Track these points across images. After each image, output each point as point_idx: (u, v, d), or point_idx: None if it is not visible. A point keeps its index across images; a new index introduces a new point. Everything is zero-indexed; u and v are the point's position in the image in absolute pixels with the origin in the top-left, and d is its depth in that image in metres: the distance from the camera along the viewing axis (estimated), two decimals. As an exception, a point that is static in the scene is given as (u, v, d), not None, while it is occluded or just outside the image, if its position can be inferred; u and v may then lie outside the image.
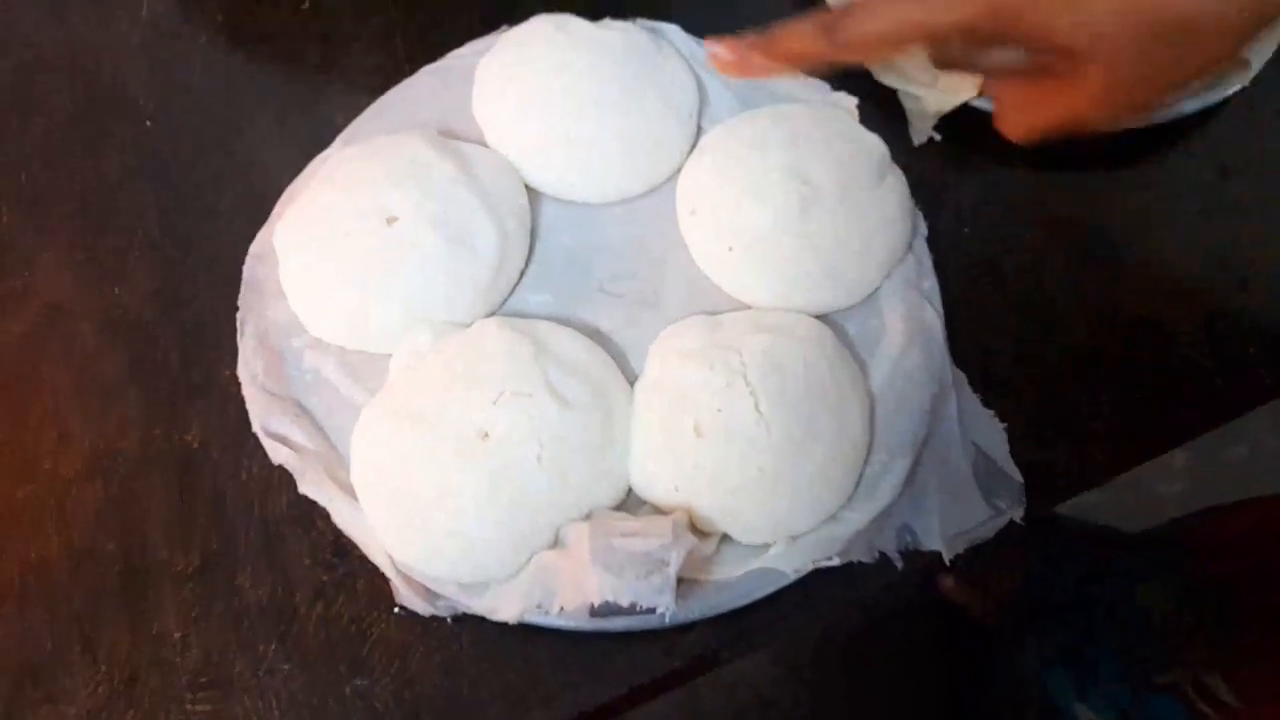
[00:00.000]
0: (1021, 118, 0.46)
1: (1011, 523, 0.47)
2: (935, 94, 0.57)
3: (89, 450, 0.48)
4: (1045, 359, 0.52)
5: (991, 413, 0.49)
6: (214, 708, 0.44)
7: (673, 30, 0.56)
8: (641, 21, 0.56)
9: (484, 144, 0.52)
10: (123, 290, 0.52)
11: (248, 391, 0.46)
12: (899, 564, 0.46)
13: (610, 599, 0.40)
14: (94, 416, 0.49)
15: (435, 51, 0.57)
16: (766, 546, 0.45)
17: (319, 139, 0.54)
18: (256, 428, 0.46)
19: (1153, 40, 0.39)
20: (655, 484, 0.45)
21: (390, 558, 0.44)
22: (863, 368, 0.48)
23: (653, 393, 0.46)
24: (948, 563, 0.46)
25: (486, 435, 0.43)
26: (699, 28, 0.56)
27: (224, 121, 0.57)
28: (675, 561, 0.41)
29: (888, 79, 0.59)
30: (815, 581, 0.44)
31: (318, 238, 0.47)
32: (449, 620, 0.45)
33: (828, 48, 0.43)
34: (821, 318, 0.49)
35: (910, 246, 0.52)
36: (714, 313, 0.49)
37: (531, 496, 0.43)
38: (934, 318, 0.50)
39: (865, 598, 0.47)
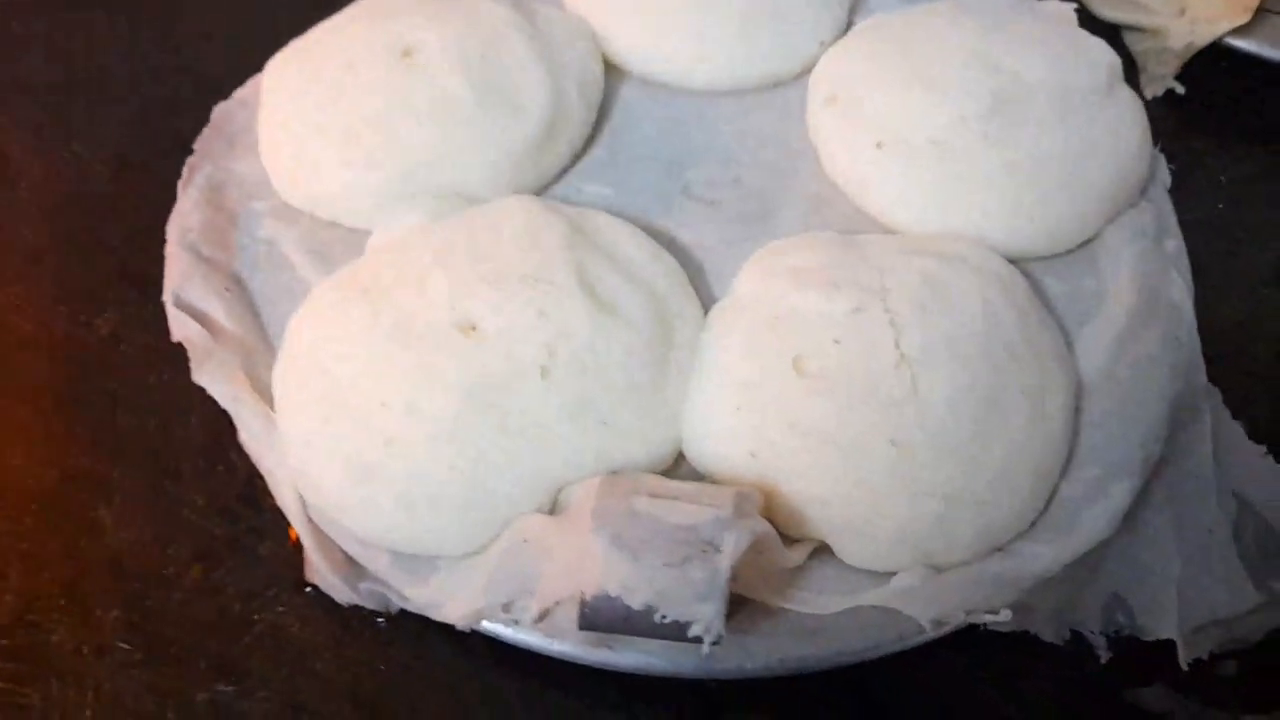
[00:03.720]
0: None
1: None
2: (1182, 25, 0.42)
3: (-36, 322, 0.36)
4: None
5: (1264, 448, 0.32)
6: (6, 686, 0.29)
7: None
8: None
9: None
10: (80, 153, 0.41)
11: (171, 251, 0.33)
12: (1103, 654, 0.29)
13: (615, 593, 0.24)
14: (-10, 282, 0.37)
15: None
16: (888, 576, 0.27)
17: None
18: (166, 295, 0.32)
19: None
20: (721, 446, 0.28)
21: (300, 499, 0.28)
22: (1068, 341, 0.32)
23: (736, 316, 0.30)
24: (1184, 665, 0.29)
25: (473, 328, 0.28)
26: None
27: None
28: (732, 549, 0.24)
29: (1109, 11, 0.44)
30: (957, 648, 0.28)
31: (309, 73, 0.35)
32: (380, 623, 0.29)
33: None
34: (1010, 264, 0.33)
35: (1146, 192, 0.35)
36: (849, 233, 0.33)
37: (526, 431, 0.27)
38: (1182, 291, 0.33)
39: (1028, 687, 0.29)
